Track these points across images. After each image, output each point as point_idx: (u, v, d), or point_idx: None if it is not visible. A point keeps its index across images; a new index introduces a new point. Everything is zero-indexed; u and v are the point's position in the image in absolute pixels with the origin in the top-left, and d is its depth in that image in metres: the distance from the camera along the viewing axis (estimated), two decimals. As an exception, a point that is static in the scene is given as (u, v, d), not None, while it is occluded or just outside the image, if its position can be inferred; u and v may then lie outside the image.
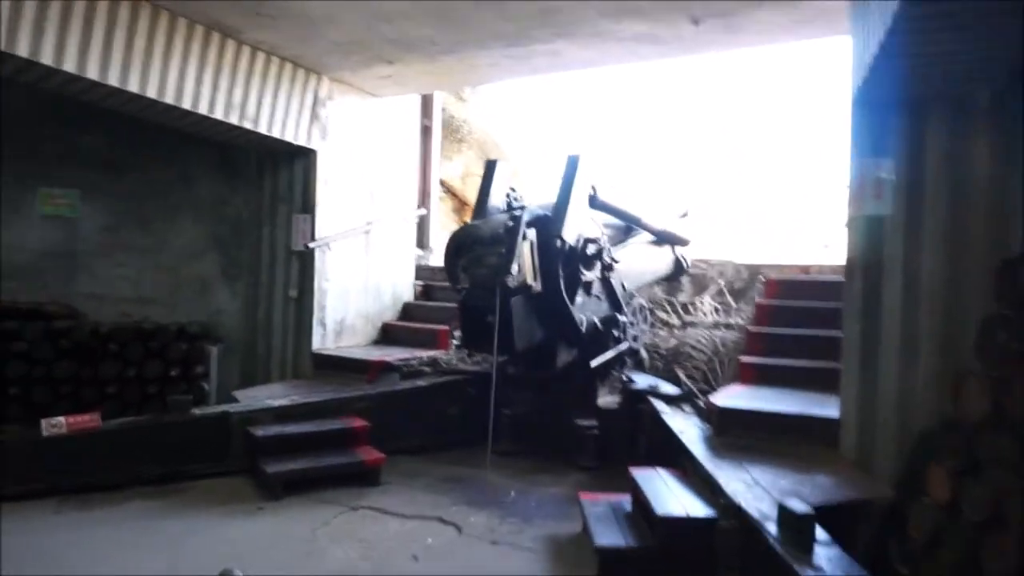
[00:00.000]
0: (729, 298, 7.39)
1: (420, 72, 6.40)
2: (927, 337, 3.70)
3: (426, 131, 8.66)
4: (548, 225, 5.12)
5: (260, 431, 5.06)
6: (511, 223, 4.91)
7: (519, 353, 5.21)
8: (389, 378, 6.28)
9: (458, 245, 5.16)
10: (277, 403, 5.51)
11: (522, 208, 5.19)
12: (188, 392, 5.97)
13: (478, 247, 5.03)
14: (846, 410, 4.09)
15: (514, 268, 4.76)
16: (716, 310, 7.38)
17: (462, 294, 5.13)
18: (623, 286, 5.76)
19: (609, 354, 5.47)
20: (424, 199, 8.67)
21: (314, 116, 6.61)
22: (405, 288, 7.92)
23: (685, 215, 7.36)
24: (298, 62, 6.28)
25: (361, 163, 7.21)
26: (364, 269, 7.29)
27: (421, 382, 6.14)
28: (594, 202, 5.49)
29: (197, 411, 5.19)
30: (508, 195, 5.69)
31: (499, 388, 5.70)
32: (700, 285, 7.72)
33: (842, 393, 4.16)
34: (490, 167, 5.78)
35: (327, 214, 6.79)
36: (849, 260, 4.14)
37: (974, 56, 3.23)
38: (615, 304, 5.71)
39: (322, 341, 6.80)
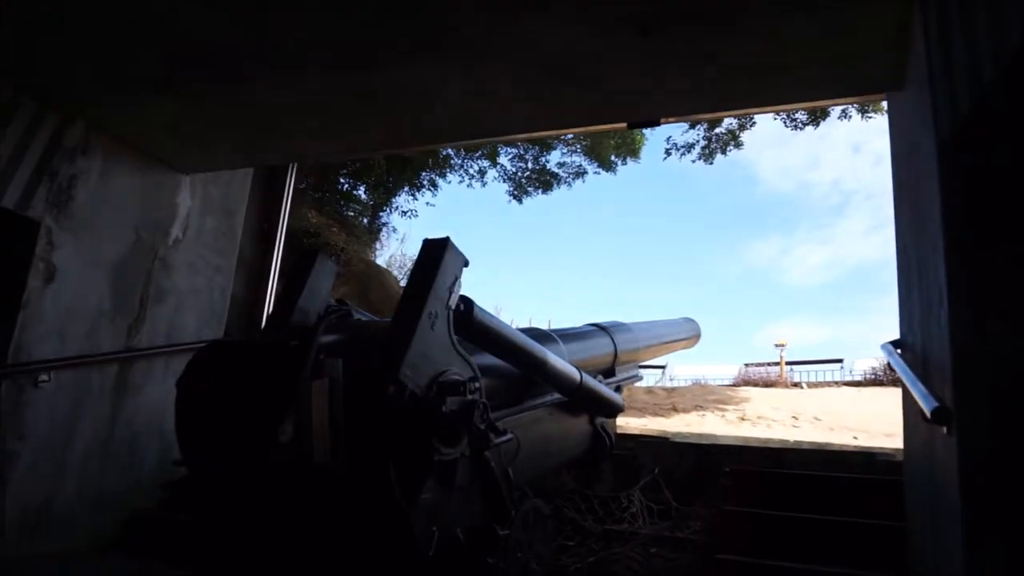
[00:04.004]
0: (668, 495, 5.11)
1: (214, 118, 4.24)
2: None
3: (266, 238, 6.42)
4: (373, 355, 2.80)
5: None
6: (295, 343, 2.58)
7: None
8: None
9: (195, 379, 2.71)
10: None
11: (329, 317, 2.89)
12: None
13: (230, 384, 2.62)
14: None
15: (285, 430, 2.36)
16: (650, 511, 5.06)
17: (187, 471, 2.62)
18: (509, 474, 3.35)
19: (473, 607, 2.94)
20: (253, 326, 6.23)
21: (45, 171, 4.21)
22: (185, 454, 5.15)
23: (612, 373, 5.17)
24: (23, 84, 4.01)
25: (132, 260, 4.80)
26: (109, 420, 4.59)
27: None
28: (467, 326, 3.23)
29: None
30: (330, 306, 3.42)
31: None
32: (627, 472, 5.46)
33: None
34: (305, 261, 3.51)
35: (50, 326, 4.22)
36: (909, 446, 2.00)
37: None
38: (496, 505, 3.27)
39: (-10, 544, 3.92)
